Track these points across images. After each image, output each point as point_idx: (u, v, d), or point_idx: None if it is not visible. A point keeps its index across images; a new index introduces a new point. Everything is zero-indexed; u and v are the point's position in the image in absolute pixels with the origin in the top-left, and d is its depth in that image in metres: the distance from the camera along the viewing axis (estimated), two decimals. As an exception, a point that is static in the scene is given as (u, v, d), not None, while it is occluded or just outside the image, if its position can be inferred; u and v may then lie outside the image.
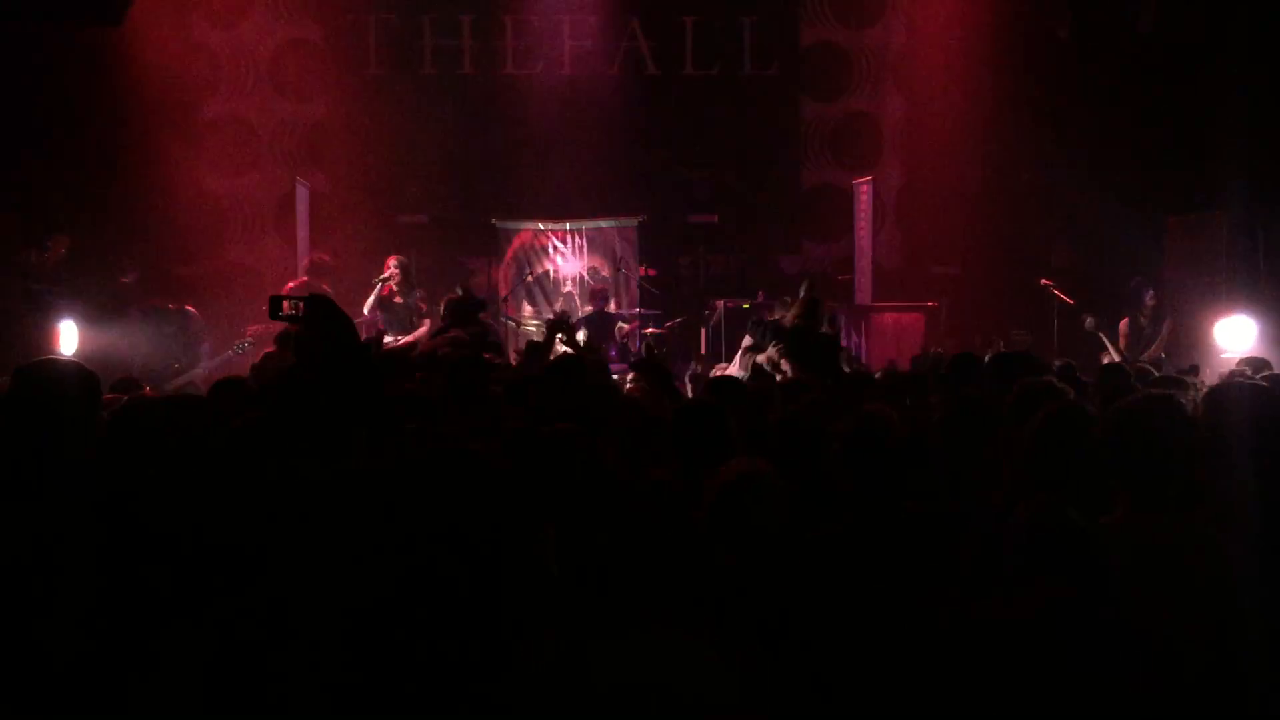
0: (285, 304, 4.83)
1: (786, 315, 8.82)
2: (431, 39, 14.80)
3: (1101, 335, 10.45)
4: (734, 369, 8.74)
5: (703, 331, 13.34)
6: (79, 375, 3.77)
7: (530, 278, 14.29)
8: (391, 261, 10.90)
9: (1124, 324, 11.09)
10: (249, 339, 10.66)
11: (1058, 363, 7.29)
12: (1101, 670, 2.85)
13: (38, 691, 2.76)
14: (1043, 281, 11.98)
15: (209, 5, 14.34)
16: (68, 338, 9.26)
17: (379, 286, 10.74)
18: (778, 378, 7.23)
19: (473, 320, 8.52)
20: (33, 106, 11.27)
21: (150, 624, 2.79)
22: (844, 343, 11.82)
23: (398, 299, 10.74)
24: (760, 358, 8.28)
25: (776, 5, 15.14)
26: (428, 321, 10.72)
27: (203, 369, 9.55)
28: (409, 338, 10.28)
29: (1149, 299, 11.01)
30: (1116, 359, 9.38)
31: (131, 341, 9.53)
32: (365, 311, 10.72)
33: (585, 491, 3.57)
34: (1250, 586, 2.85)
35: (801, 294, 8.84)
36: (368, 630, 2.41)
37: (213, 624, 2.75)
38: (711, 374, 8.95)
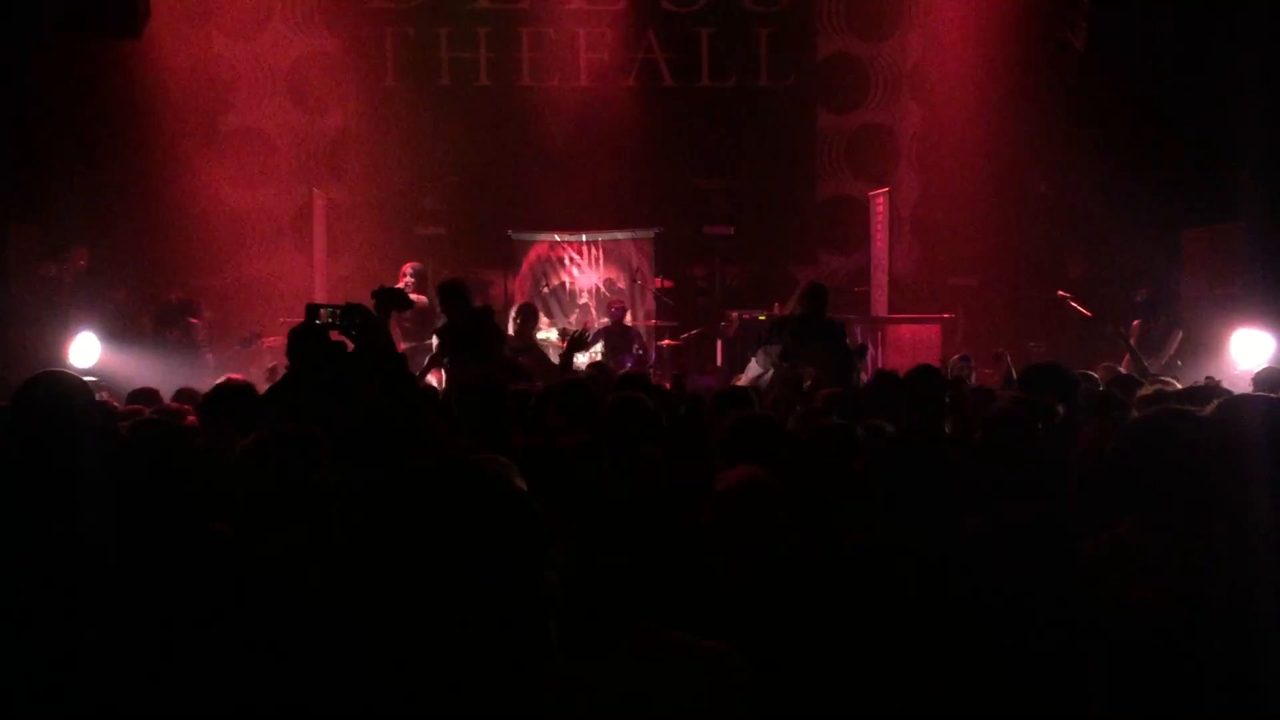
0: (322, 311, 4.85)
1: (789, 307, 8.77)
2: (448, 51, 14.85)
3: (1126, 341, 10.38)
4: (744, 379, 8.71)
5: (719, 343, 13.34)
6: (77, 388, 3.82)
7: (546, 290, 14.32)
8: (407, 269, 10.95)
9: (1136, 325, 11.12)
10: (257, 331, 10.84)
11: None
12: (1111, 681, 2.85)
13: (48, 696, 2.79)
14: (1060, 293, 11.95)
15: (227, 18, 14.43)
16: (86, 350, 9.31)
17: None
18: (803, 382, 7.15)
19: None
20: (52, 119, 11.34)
21: (159, 629, 2.81)
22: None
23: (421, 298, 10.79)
24: (753, 367, 8.25)
25: (792, 17, 15.15)
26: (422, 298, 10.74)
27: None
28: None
29: (1159, 308, 11.00)
30: (1127, 370, 9.32)
31: (141, 356, 9.65)
32: None
33: (592, 505, 3.59)
34: (1259, 601, 2.84)
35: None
36: (371, 641, 2.42)
37: (220, 631, 2.77)
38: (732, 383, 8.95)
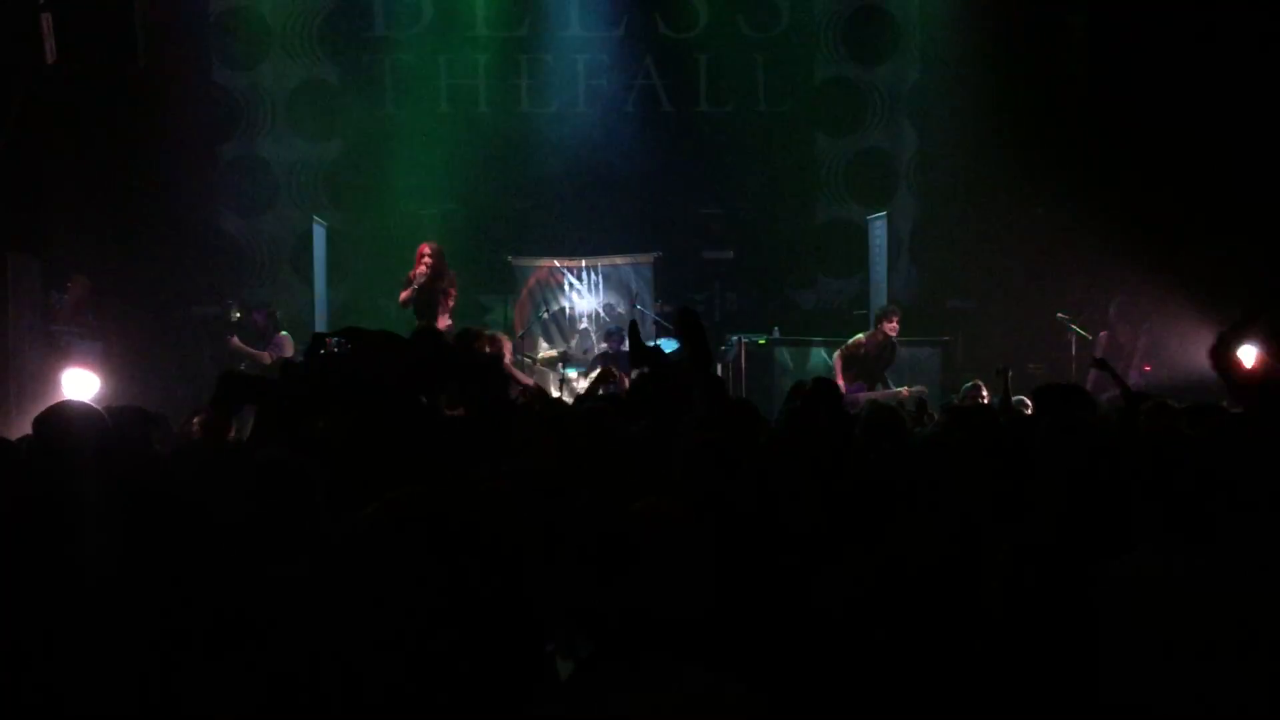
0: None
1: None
2: (447, 78, 14.91)
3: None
4: None
5: (719, 367, 13.33)
6: (89, 417, 3.84)
7: (546, 314, 14.33)
8: (425, 250, 10.82)
9: (1103, 336, 11.22)
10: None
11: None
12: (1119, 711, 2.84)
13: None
14: (1059, 314, 11.97)
15: (226, 47, 14.50)
16: (85, 383, 9.30)
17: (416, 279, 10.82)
18: None
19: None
20: (52, 149, 11.36)
21: (157, 656, 2.81)
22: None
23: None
24: None
25: (789, 42, 15.20)
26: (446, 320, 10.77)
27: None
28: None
29: (1121, 313, 11.12)
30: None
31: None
32: (401, 303, 10.88)
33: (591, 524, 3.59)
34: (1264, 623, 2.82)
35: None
36: (385, 662, 2.43)
37: (237, 659, 2.77)
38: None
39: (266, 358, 11.29)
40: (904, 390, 11.22)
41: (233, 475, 3.43)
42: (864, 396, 10.76)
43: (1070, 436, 3.83)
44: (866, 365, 11.59)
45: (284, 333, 11.58)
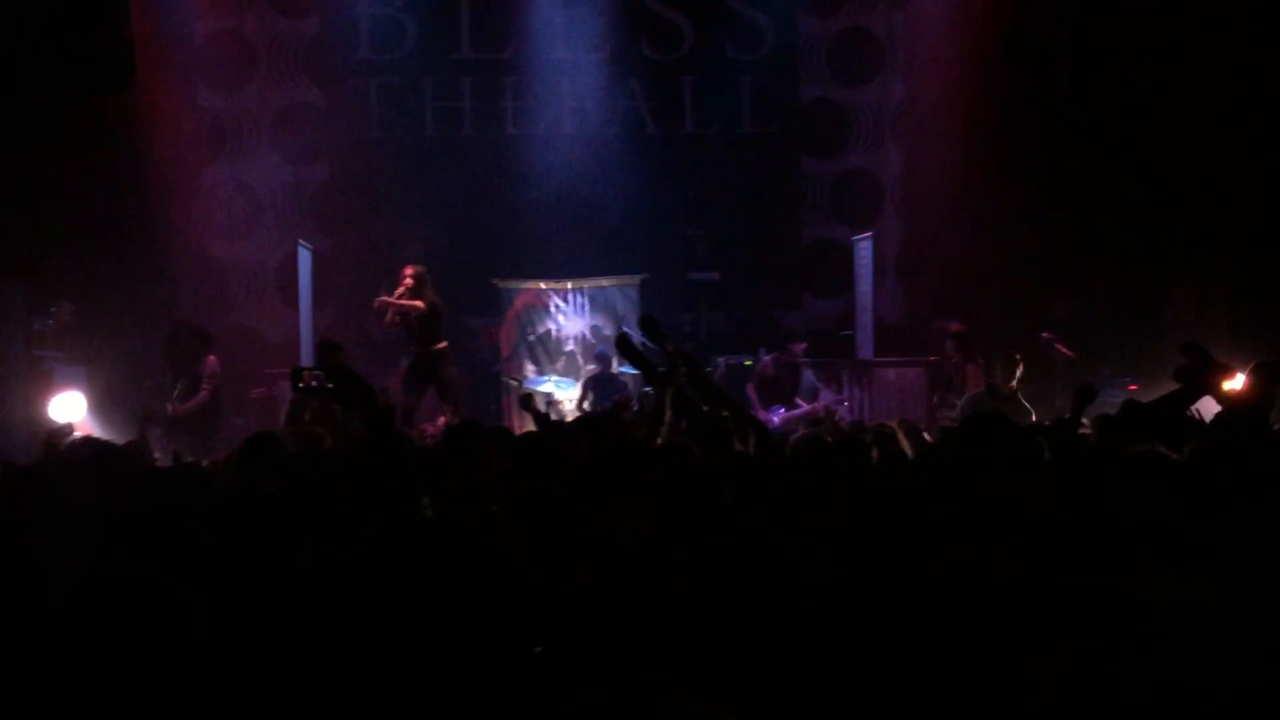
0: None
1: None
2: (432, 101, 14.93)
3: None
4: None
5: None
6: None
7: (533, 337, 14.31)
8: (408, 271, 11.02)
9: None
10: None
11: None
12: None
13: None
14: (1044, 335, 11.99)
15: (211, 71, 14.49)
16: (73, 406, 9.26)
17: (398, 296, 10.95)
18: None
19: None
20: (36, 173, 11.35)
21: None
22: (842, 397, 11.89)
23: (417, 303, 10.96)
24: None
25: (774, 63, 15.26)
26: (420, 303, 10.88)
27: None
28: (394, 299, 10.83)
29: (958, 343, 11.40)
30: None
31: None
32: (385, 324, 11.24)
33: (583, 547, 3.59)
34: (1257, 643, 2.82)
35: None
36: (387, 683, 2.43)
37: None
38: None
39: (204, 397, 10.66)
40: (818, 406, 11.65)
41: (207, 503, 3.41)
42: (781, 418, 11.43)
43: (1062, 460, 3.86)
44: (777, 388, 12.08)
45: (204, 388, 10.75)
